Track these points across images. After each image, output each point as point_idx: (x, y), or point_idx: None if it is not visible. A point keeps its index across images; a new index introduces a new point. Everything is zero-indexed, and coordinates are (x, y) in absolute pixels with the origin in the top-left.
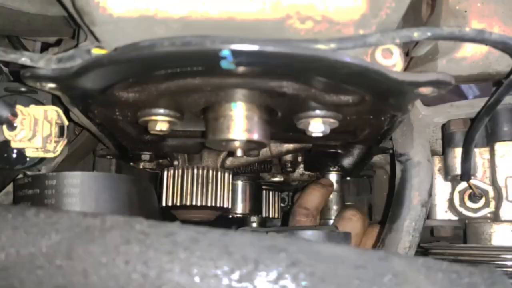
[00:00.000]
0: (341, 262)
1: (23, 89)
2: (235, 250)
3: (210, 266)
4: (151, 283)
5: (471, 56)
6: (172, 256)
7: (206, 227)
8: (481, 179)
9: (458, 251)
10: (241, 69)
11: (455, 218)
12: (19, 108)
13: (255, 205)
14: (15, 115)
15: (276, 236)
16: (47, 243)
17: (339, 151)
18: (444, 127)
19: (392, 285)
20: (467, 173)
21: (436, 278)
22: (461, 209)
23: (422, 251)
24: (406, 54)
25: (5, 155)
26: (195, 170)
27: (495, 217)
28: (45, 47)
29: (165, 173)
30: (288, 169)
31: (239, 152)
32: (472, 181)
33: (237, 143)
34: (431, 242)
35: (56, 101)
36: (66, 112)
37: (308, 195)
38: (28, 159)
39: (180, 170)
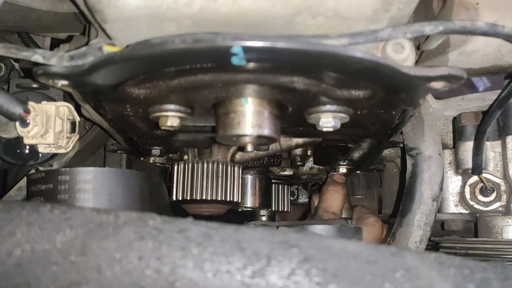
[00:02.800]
0: (353, 258)
1: (34, 85)
2: (247, 246)
3: (222, 262)
4: (165, 279)
5: (482, 49)
6: (185, 252)
7: (218, 223)
8: (492, 173)
9: (469, 245)
10: (252, 65)
11: (466, 212)
12: (31, 104)
13: (265, 199)
14: (27, 111)
15: (287, 231)
16: (62, 239)
17: (349, 145)
18: (455, 120)
19: (404, 280)
20: (478, 167)
21: (448, 273)
22: (472, 203)
23: (433, 244)
24: (417, 47)
25: (18, 151)
26: (205, 165)
27: (507, 211)
28: (54, 43)
29: (176, 167)
30: (298, 163)
31: (249, 147)
32: (484, 175)
33: (247, 139)
34: (442, 236)
35: (67, 97)
36: (77, 108)
37: (331, 198)
38: (40, 155)
39: (190, 165)
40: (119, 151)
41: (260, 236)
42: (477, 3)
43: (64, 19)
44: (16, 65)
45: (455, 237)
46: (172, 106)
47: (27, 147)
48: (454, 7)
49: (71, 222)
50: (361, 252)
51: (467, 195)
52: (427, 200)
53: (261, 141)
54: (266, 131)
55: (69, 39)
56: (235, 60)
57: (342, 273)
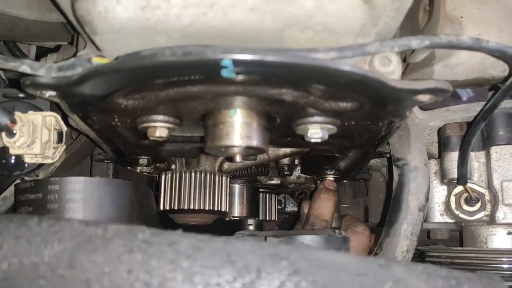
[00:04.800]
0: (343, 270)
1: (21, 95)
2: (237, 259)
3: (212, 274)
4: None
5: (466, 61)
6: (175, 265)
7: (208, 235)
8: (477, 183)
9: (454, 254)
10: (241, 77)
11: (451, 221)
12: (18, 114)
13: (252, 208)
14: (14, 122)
15: (277, 243)
16: (50, 252)
17: (336, 155)
18: (440, 131)
19: None
20: (463, 177)
21: (436, 284)
22: (457, 212)
23: (419, 253)
24: (404, 60)
25: (3, 161)
26: (193, 174)
27: (491, 220)
28: (41, 51)
29: (163, 177)
30: (285, 172)
31: (238, 158)
32: (468, 185)
33: (236, 149)
34: (427, 245)
35: (54, 107)
36: (64, 118)
37: (323, 206)
38: (26, 165)
39: (178, 174)
40: (105, 161)
41: (250, 249)
42: (461, 17)
43: (52, 28)
44: (1, 72)
45: (441, 246)
46: (160, 117)
47: (13, 157)
48: (440, 20)
49: (60, 235)
50: (350, 264)
51: (453, 205)
52: (413, 210)
53: (249, 151)
54: (255, 142)
55: (56, 48)
56: (224, 73)
57: (332, 285)
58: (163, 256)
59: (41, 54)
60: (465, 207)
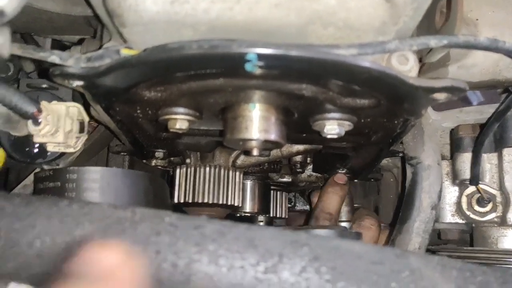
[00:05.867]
0: (360, 258)
1: (44, 85)
2: (260, 244)
3: (237, 258)
4: (181, 272)
5: (481, 63)
6: (201, 247)
7: (231, 221)
8: (488, 184)
9: (465, 254)
10: (263, 71)
11: (462, 221)
12: (43, 104)
13: (263, 205)
14: (40, 110)
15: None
16: (81, 232)
17: (349, 153)
18: (453, 132)
19: (409, 281)
20: (476, 177)
21: (451, 275)
22: (468, 213)
23: (430, 253)
24: (419, 60)
25: (27, 149)
26: (207, 169)
27: (502, 222)
28: (55, 45)
29: (178, 171)
30: (298, 170)
31: (255, 152)
32: (480, 186)
33: (254, 143)
34: (438, 245)
35: (75, 97)
36: (86, 109)
37: (329, 199)
38: (49, 153)
39: (192, 168)
40: (122, 153)
41: (271, 235)
42: (477, 19)
43: (75, 22)
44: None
45: (452, 246)
46: (181, 109)
47: (36, 145)
48: (457, 22)
49: (90, 217)
50: (367, 253)
51: (464, 205)
52: (426, 208)
53: (267, 145)
54: (273, 136)
55: (80, 42)
56: (248, 66)
57: (350, 272)
58: (189, 239)
59: (55, 48)
60: (477, 208)
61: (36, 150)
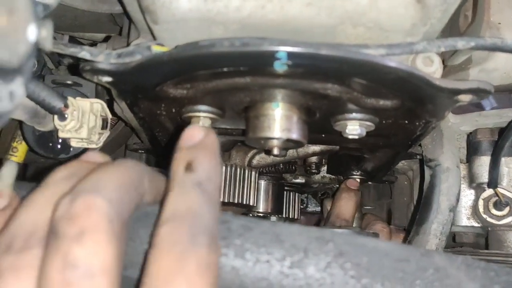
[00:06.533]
0: (385, 255)
1: (68, 82)
2: (285, 239)
3: (263, 252)
4: None
5: (503, 67)
6: (227, 241)
7: (255, 218)
8: (506, 188)
9: (482, 257)
10: (292, 70)
11: (478, 225)
12: (70, 99)
13: (277, 205)
14: (67, 106)
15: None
16: None
17: (366, 155)
18: (470, 136)
19: (434, 279)
20: (494, 180)
21: (475, 275)
22: (485, 216)
23: None
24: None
25: (50, 144)
26: (224, 168)
27: None
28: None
29: None
30: (313, 171)
31: (276, 151)
32: (498, 189)
33: (276, 142)
34: (453, 247)
35: (99, 94)
36: (108, 105)
37: (345, 205)
38: (72, 149)
39: None
40: (140, 151)
41: (297, 231)
42: (499, 23)
43: (100, 19)
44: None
45: (468, 249)
46: (205, 107)
47: (60, 140)
48: (483, 24)
49: None
50: (393, 250)
51: (481, 209)
52: (444, 210)
53: (288, 145)
54: (295, 135)
55: (106, 39)
56: (277, 65)
57: (375, 268)
58: None
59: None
60: (493, 211)
61: (59, 146)
